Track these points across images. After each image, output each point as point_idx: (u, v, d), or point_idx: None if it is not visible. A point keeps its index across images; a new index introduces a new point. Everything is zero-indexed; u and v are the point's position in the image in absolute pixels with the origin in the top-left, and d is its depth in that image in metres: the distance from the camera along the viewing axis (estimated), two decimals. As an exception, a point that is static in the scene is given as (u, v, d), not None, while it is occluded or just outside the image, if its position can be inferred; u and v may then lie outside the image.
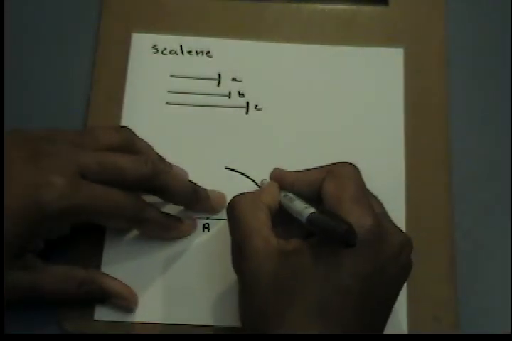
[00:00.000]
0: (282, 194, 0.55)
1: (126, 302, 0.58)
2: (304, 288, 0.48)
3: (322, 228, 0.47)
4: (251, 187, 0.62)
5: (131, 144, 0.57)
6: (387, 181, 0.63)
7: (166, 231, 0.59)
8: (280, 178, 0.57)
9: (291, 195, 0.54)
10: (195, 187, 0.59)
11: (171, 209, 0.60)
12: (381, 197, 0.61)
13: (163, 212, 0.58)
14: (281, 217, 0.54)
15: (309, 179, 0.54)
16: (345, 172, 0.53)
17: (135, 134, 0.58)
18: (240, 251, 0.51)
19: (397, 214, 0.61)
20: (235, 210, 0.53)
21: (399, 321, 0.59)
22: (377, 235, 0.49)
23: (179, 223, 0.59)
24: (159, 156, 0.59)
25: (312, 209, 0.49)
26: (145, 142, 0.59)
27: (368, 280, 0.49)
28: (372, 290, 0.49)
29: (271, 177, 0.58)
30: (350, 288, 0.48)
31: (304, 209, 0.50)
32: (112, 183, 0.54)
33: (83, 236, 0.60)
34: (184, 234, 0.60)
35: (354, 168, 0.53)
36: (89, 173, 0.53)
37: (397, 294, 0.52)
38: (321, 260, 0.48)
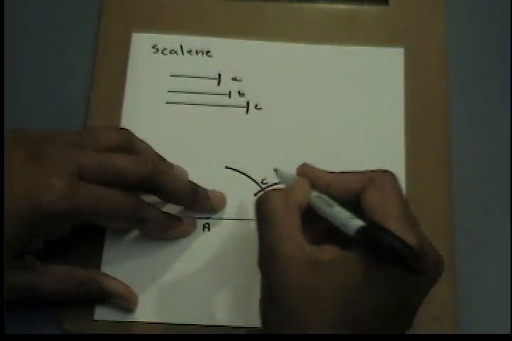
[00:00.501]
0: (314, 194, 0.52)
1: (127, 302, 0.58)
2: (338, 298, 0.47)
3: (383, 248, 0.45)
4: (251, 187, 0.62)
5: (130, 144, 0.57)
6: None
7: (166, 231, 0.58)
8: (313, 177, 0.53)
9: (326, 197, 0.52)
10: (194, 187, 0.59)
11: (171, 209, 0.60)
12: (381, 197, 0.61)
13: (163, 212, 0.58)
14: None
15: (348, 184, 0.52)
16: (389, 182, 0.51)
17: (134, 135, 0.58)
18: (269, 254, 0.48)
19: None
20: (266, 208, 0.50)
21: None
22: (425, 256, 0.48)
23: (179, 223, 0.59)
24: (159, 156, 0.59)
25: (360, 222, 0.47)
26: (144, 142, 0.58)
27: (404, 299, 0.48)
28: (406, 307, 0.49)
29: (299, 173, 0.55)
30: (386, 305, 0.47)
31: (349, 219, 0.48)
32: (111, 184, 0.53)
33: (83, 236, 0.60)
34: (184, 234, 0.60)
35: (395, 177, 0.51)
36: (89, 174, 0.53)
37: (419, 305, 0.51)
38: (359, 274, 0.46)
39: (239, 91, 0.66)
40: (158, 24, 0.68)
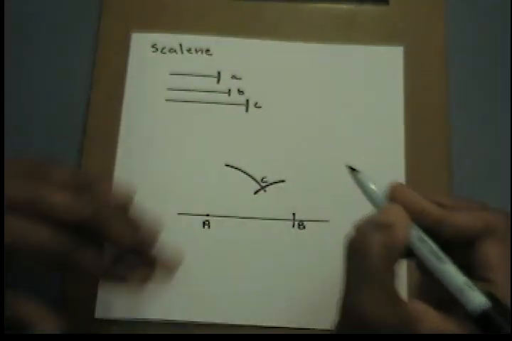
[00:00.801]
0: (415, 233, 0.43)
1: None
2: None
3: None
4: (251, 185, 0.62)
5: (85, 185, 0.50)
6: (387, 181, 0.62)
7: (106, 280, 0.53)
8: (419, 208, 0.44)
9: (431, 244, 0.43)
10: (144, 248, 0.52)
11: (169, 206, 0.61)
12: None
13: (112, 258, 0.51)
14: None
15: (460, 225, 0.43)
16: (509, 234, 0.43)
17: (98, 178, 0.51)
18: (359, 318, 0.41)
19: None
20: (362, 256, 0.42)
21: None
22: None
23: (128, 274, 0.52)
24: (123, 203, 0.51)
25: (482, 298, 0.40)
26: (108, 186, 0.51)
27: None
28: None
29: (395, 196, 0.45)
30: None
31: (469, 289, 0.40)
32: (42, 220, 0.47)
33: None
34: (134, 287, 0.54)
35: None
36: (18, 206, 0.47)
37: None
38: None
39: (238, 89, 0.66)
40: (158, 24, 0.68)
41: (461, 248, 0.43)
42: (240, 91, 0.66)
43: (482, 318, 0.40)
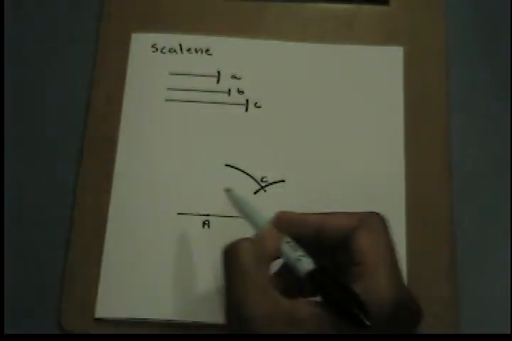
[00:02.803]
0: (287, 245, 0.49)
1: None
2: None
3: (329, 296, 0.45)
4: (251, 185, 0.62)
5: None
6: (387, 181, 0.63)
7: None
8: (299, 220, 0.50)
9: (294, 242, 0.49)
10: None
11: (169, 206, 0.61)
12: (381, 197, 0.61)
13: None
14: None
15: (337, 226, 0.49)
16: (379, 225, 0.49)
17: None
18: (239, 312, 0.46)
19: (397, 214, 0.61)
20: (235, 261, 0.48)
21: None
22: (405, 309, 0.46)
23: None
24: None
25: (310, 265, 0.47)
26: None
27: None
28: None
29: (277, 220, 0.51)
30: None
31: (297, 260, 0.48)
32: None
33: (83, 235, 0.61)
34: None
35: (385, 220, 0.50)
36: None
37: None
38: (334, 330, 0.45)
39: (238, 89, 0.66)
40: (158, 24, 0.68)
41: (343, 247, 0.48)
42: (240, 91, 0.66)
43: (309, 278, 0.46)
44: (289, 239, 0.49)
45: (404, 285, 0.48)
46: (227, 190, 0.55)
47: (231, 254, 0.48)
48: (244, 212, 0.54)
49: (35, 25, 0.68)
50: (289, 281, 0.49)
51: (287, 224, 0.50)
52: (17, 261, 0.61)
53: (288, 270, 0.49)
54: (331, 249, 0.49)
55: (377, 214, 0.50)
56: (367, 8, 0.69)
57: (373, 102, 0.65)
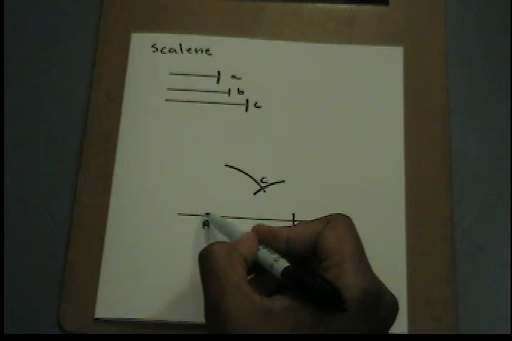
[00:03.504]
0: (260, 247, 0.51)
1: None
2: None
3: (303, 289, 0.46)
4: (251, 185, 0.62)
5: None
6: (387, 181, 0.63)
7: None
8: (270, 233, 0.52)
9: (267, 247, 0.51)
10: None
11: (169, 206, 0.61)
12: (381, 197, 0.61)
13: None
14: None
15: (306, 231, 0.51)
16: (344, 224, 0.50)
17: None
18: (216, 310, 0.47)
19: (397, 214, 0.61)
20: (209, 262, 0.49)
21: (399, 321, 0.58)
22: (374, 297, 0.47)
23: None
24: None
25: (285, 263, 0.48)
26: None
27: None
28: None
29: (254, 231, 0.53)
30: None
31: (274, 261, 0.49)
32: None
33: (83, 235, 0.61)
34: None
35: (350, 220, 0.51)
36: None
37: None
38: (310, 320, 0.46)
39: (238, 89, 0.66)
40: (158, 24, 0.68)
41: (314, 254, 0.50)
42: (240, 91, 0.66)
43: (285, 274, 0.47)
44: (265, 246, 0.51)
45: (374, 277, 0.48)
46: (207, 214, 0.60)
47: (206, 256, 0.49)
48: (224, 229, 0.58)
49: (36, 25, 0.68)
50: (266, 287, 0.50)
51: (260, 237, 0.52)
52: (17, 261, 0.61)
53: (263, 275, 0.51)
54: (304, 260, 0.51)
55: (344, 215, 0.51)
56: (367, 8, 0.69)
57: (373, 102, 0.65)
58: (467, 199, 0.63)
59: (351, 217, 0.51)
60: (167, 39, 0.67)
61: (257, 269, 0.51)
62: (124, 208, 0.62)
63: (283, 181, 0.62)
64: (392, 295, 0.49)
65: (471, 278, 0.61)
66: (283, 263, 0.48)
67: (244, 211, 0.61)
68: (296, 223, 0.61)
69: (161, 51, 0.67)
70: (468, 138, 0.65)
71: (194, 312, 0.58)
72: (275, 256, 0.49)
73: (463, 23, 0.69)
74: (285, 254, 0.50)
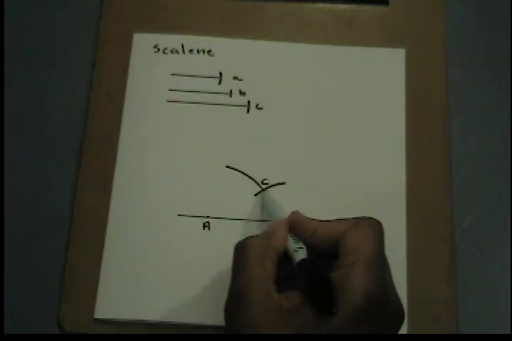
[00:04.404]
0: (291, 238, 0.53)
1: None
2: None
3: (309, 283, 0.48)
4: (252, 187, 0.62)
5: None
6: (388, 181, 0.63)
7: None
8: (300, 223, 0.54)
9: (294, 235, 0.53)
10: None
11: (169, 207, 0.61)
12: (382, 197, 0.61)
13: None
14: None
15: (333, 229, 0.52)
16: (370, 227, 0.51)
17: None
18: (238, 300, 0.49)
19: (398, 214, 0.61)
20: (244, 255, 0.51)
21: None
22: (377, 301, 0.47)
23: None
24: None
25: (303, 255, 0.50)
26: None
27: None
28: None
29: (289, 219, 0.55)
30: None
31: (294, 251, 0.51)
32: None
33: (83, 235, 0.61)
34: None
35: (379, 223, 0.51)
36: None
37: None
38: (314, 320, 0.47)
39: (240, 90, 0.66)
40: (159, 24, 0.68)
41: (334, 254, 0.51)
42: (242, 93, 0.65)
43: (299, 267, 0.50)
44: (292, 234, 0.53)
45: (384, 284, 0.48)
46: (263, 191, 0.61)
47: (239, 250, 0.51)
48: (268, 208, 0.59)
49: (36, 25, 0.68)
50: (287, 271, 0.51)
51: (291, 224, 0.54)
52: (17, 261, 0.61)
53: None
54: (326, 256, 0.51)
55: (372, 218, 0.52)
56: (367, 8, 0.69)
57: (375, 104, 0.65)
58: (467, 199, 0.63)
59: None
60: (169, 40, 0.67)
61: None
62: (124, 208, 0.62)
63: (284, 183, 0.62)
64: (401, 306, 0.50)
65: (471, 278, 0.61)
66: (301, 255, 0.50)
67: (245, 212, 0.61)
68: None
69: (163, 52, 0.66)
70: (468, 138, 0.65)
71: (194, 313, 0.59)
72: (297, 245, 0.51)
73: (463, 23, 0.69)
74: (310, 247, 0.52)
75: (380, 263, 0.49)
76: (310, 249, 0.51)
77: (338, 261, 0.49)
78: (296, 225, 0.54)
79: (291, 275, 0.51)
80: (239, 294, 0.49)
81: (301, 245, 0.52)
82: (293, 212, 0.55)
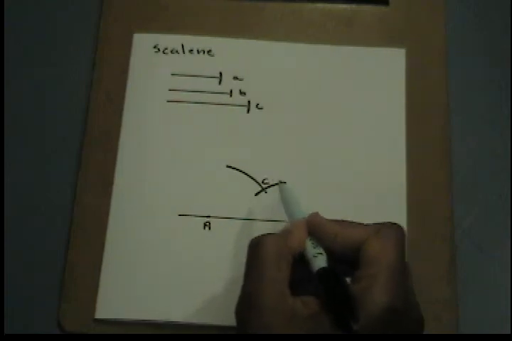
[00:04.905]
0: (310, 241, 0.51)
1: None
2: None
3: (328, 298, 0.46)
4: (252, 187, 0.62)
5: None
6: (388, 181, 0.63)
7: None
8: (321, 225, 0.52)
9: (313, 239, 0.51)
10: None
11: (170, 207, 0.60)
12: (382, 197, 0.61)
13: None
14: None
15: (354, 235, 0.50)
16: (392, 234, 0.50)
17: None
18: (249, 301, 0.48)
19: (398, 214, 0.61)
20: (257, 253, 0.49)
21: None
22: (398, 316, 0.46)
23: None
24: None
25: (323, 263, 0.49)
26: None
27: None
28: None
29: (308, 222, 0.53)
30: None
31: (312, 257, 0.49)
32: None
33: (83, 235, 0.61)
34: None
35: (402, 230, 0.50)
36: None
37: None
38: (328, 329, 0.46)
39: (240, 90, 0.66)
40: (159, 24, 0.68)
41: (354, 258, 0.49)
42: (242, 93, 0.66)
43: (317, 276, 0.48)
44: (311, 238, 0.51)
45: (405, 294, 0.48)
46: (281, 182, 0.59)
47: (254, 248, 0.50)
48: (287, 206, 0.56)
49: (36, 25, 0.68)
50: (302, 274, 0.50)
51: (310, 227, 0.52)
52: (17, 261, 0.61)
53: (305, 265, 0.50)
54: (345, 262, 0.50)
55: (395, 224, 0.51)
56: (367, 8, 0.69)
57: (375, 103, 0.65)
58: (467, 199, 0.63)
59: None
60: (169, 40, 0.67)
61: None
62: (124, 208, 0.62)
63: (284, 182, 0.62)
64: (420, 314, 0.49)
65: (471, 278, 0.61)
66: (321, 262, 0.49)
67: (246, 212, 0.61)
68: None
69: (163, 52, 0.67)
70: (468, 138, 0.65)
71: (194, 313, 0.59)
72: (317, 251, 0.50)
73: (463, 23, 0.69)
74: (329, 251, 0.50)
75: (401, 272, 0.48)
76: (329, 253, 0.50)
77: (359, 271, 0.48)
78: (315, 228, 0.52)
79: (307, 278, 0.49)
80: (250, 295, 0.48)
81: (321, 250, 0.50)
82: (312, 214, 0.53)
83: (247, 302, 0.48)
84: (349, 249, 0.50)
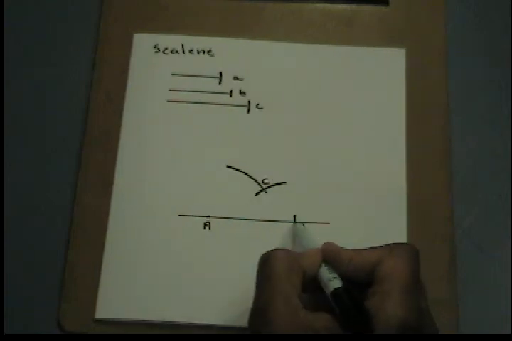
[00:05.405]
0: (325, 267, 0.51)
1: None
2: None
3: (343, 316, 0.47)
4: (252, 187, 0.62)
5: None
6: (388, 181, 0.63)
7: None
8: (335, 253, 0.52)
9: (328, 266, 0.51)
10: None
11: (170, 207, 0.60)
12: (382, 197, 0.61)
13: None
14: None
15: (369, 257, 0.51)
16: (406, 253, 0.50)
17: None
18: (261, 315, 0.48)
19: (398, 214, 0.61)
20: (269, 267, 0.49)
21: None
22: (412, 331, 0.46)
23: None
24: None
25: (338, 284, 0.49)
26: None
27: None
28: None
29: (323, 250, 0.53)
30: None
31: (329, 281, 0.49)
32: None
33: (83, 236, 0.61)
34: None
35: (415, 249, 0.51)
36: None
37: None
38: None
39: (240, 90, 0.66)
40: (159, 24, 0.68)
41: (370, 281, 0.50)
42: (242, 93, 0.66)
43: (333, 296, 0.48)
44: (326, 264, 0.51)
45: (419, 309, 0.48)
46: (295, 224, 0.61)
47: (267, 260, 0.50)
48: (300, 239, 0.58)
49: (36, 25, 0.68)
50: (319, 306, 0.50)
51: (325, 254, 0.52)
52: (17, 261, 0.61)
53: (318, 293, 0.50)
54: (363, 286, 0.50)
55: (409, 244, 0.52)
56: (367, 8, 0.69)
57: (375, 104, 0.65)
58: (467, 199, 0.63)
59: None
60: (169, 40, 0.67)
61: (314, 286, 0.51)
62: (124, 208, 0.62)
63: (284, 182, 0.62)
64: (435, 329, 0.49)
65: (471, 278, 0.61)
66: (336, 284, 0.49)
67: (246, 212, 0.61)
68: (297, 224, 0.61)
69: (163, 52, 0.67)
70: (468, 138, 0.65)
71: (194, 313, 0.59)
72: (332, 275, 0.50)
73: (463, 23, 0.69)
74: (344, 276, 0.50)
75: (415, 288, 0.48)
76: (344, 278, 0.50)
77: (373, 287, 0.49)
78: (331, 254, 0.52)
79: (315, 299, 0.50)
80: (263, 309, 0.48)
81: (336, 275, 0.50)
82: (326, 242, 0.53)
83: (259, 314, 0.48)
84: (363, 272, 0.50)
